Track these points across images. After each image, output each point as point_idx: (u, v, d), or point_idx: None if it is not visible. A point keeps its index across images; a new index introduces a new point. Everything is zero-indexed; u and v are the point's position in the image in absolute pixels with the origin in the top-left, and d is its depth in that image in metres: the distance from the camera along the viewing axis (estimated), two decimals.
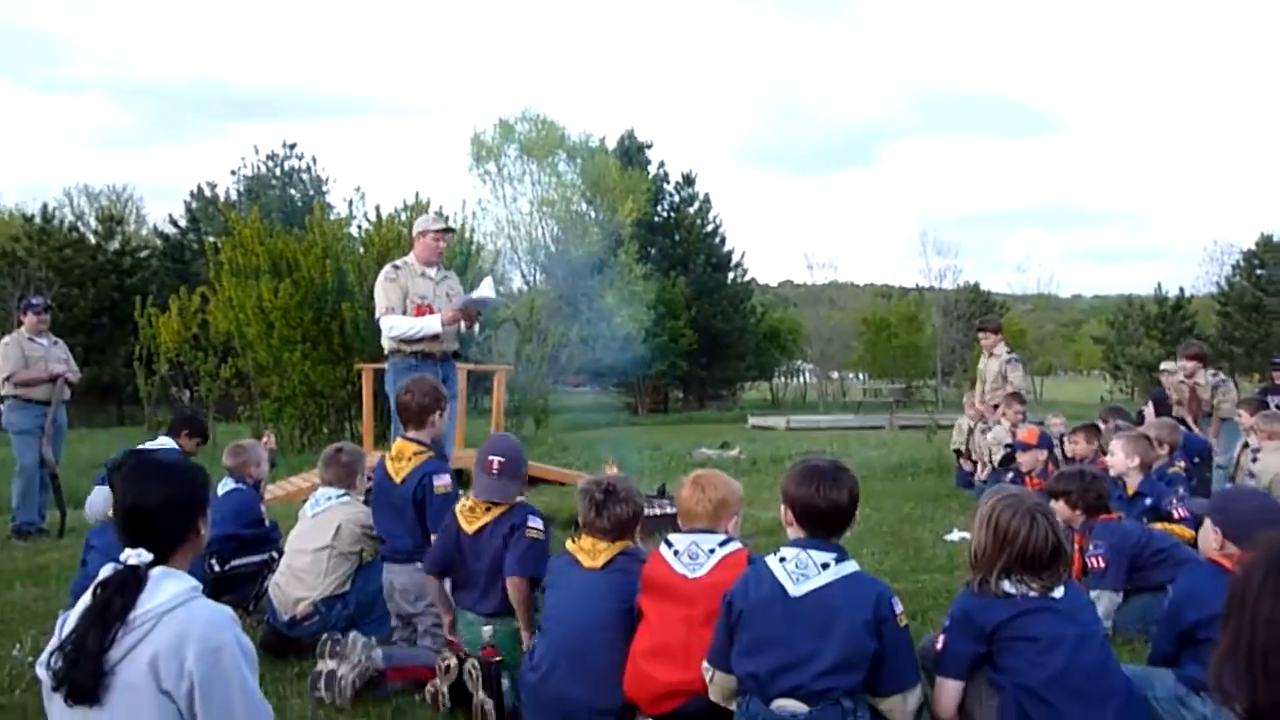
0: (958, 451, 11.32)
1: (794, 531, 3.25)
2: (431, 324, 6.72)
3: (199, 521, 2.40)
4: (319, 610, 4.76)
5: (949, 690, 3.17)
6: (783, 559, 3.16)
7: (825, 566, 3.11)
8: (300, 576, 4.82)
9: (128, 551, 2.29)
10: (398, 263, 7.01)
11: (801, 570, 3.12)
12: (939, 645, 3.23)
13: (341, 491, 5.04)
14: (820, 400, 44.50)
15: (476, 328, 7.26)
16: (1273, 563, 1.42)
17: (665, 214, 42.37)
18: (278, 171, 39.24)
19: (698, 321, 38.93)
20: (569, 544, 3.80)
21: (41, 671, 2.25)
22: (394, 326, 6.76)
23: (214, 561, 5.31)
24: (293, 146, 39.67)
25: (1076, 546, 5.26)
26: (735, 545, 3.57)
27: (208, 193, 38.59)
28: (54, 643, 2.25)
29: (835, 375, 50.15)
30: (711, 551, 3.51)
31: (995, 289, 53.50)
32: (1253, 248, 40.63)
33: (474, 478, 4.22)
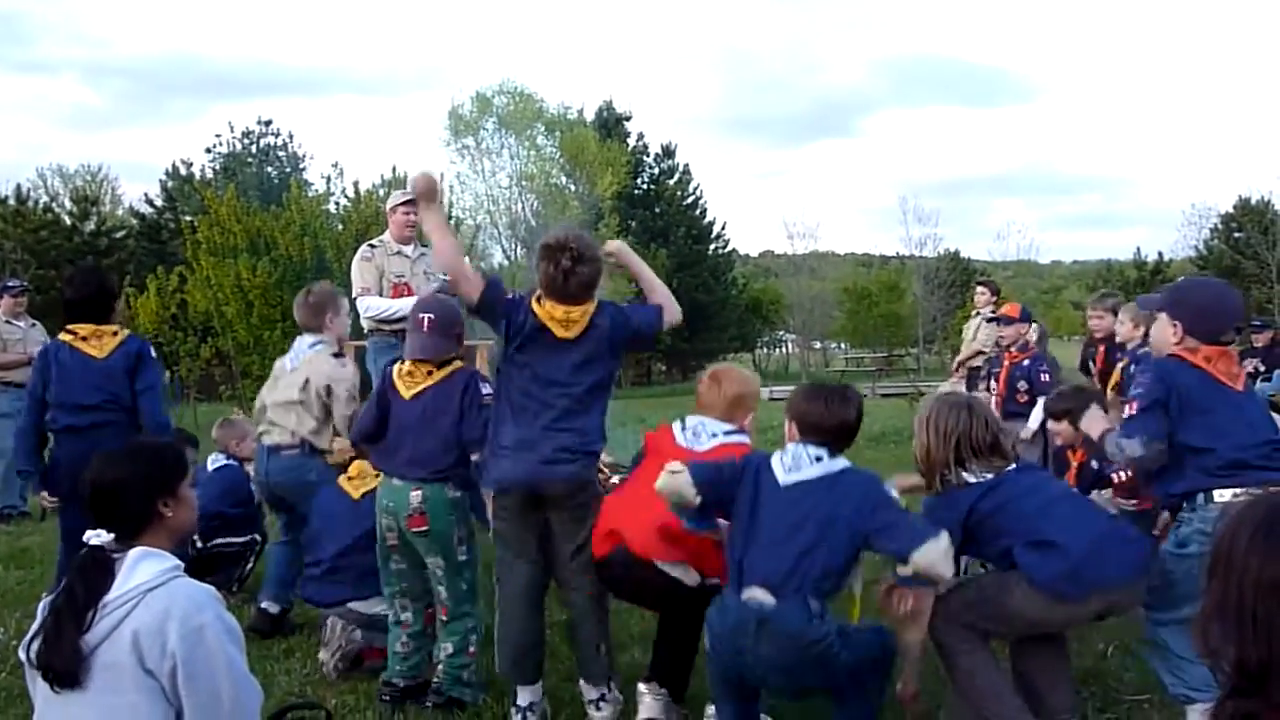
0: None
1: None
2: (407, 305, 6.64)
3: (161, 503, 2.37)
4: (304, 446, 4.78)
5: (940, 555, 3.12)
6: (782, 453, 3.28)
7: (818, 459, 3.21)
8: (282, 411, 4.84)
9: (89, 533, 2.29)
10: (374, 242, 6.94)
11: (795, 462, 3.22)
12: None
13: (315, 339, 4.98)
14: (803, 370, 44.60)
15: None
16: (1260, 522, 1.42)
17: (645, 186, 42.20)
18: (254, 149, 38.80)
19: (679, 293, 37.84)
20: (535, 305, 3.69)
21: (23, 655, 2.24)
22: (370, 307, 6.71)
23: (196, 539, 5.28)
24: (268, 123, 39.23)
25: (1075, 462, 5.26)
26: (743, 437, 3.66)
27: (183, 171, 38.16)
28: (34, 626, 2.24)
29: (817, 345, 50.23)
30: (714, 435, 3.62)
31: (976, 256, 53.59)
32: (1230, 210, 40.81)
33: (406, 339, 4.16)
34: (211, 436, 5.87)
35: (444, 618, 3.95)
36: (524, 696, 3.70)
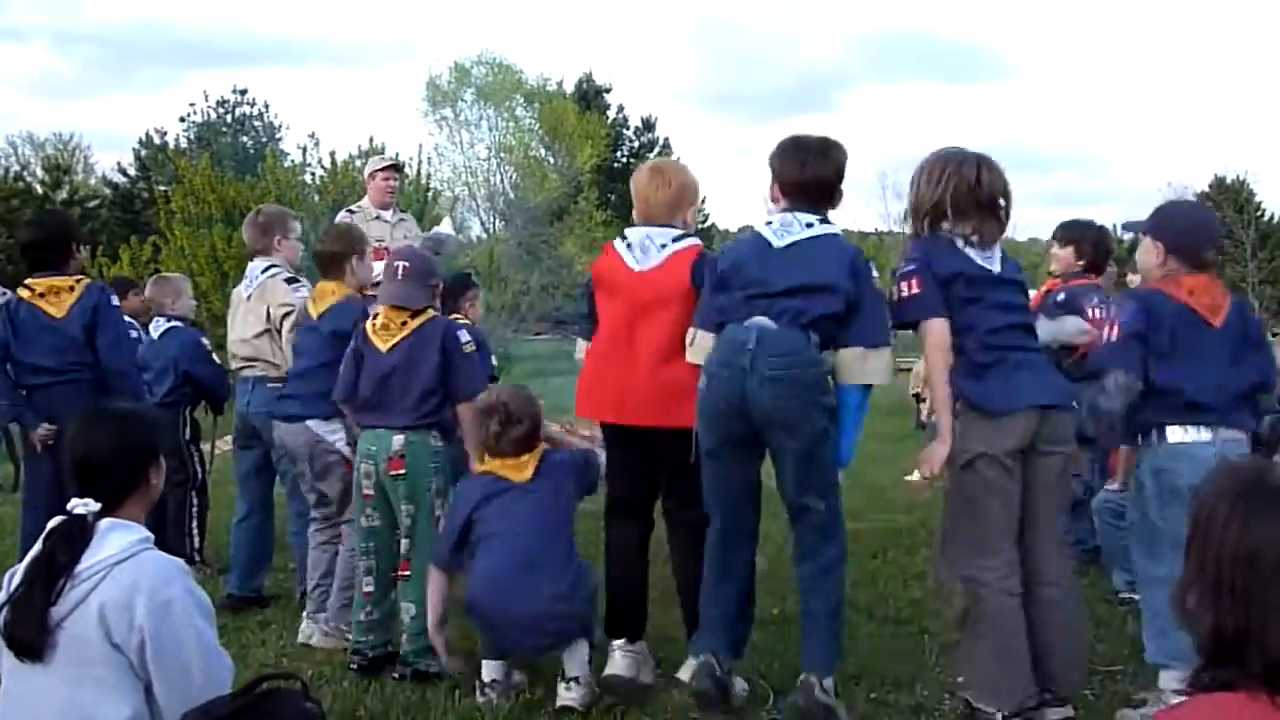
0: (917, 395, 11.41)
1: (780, 205, 3.35)
2: None
3: (150, 470, 2.35)
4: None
5: (937, 327, 3.16)
6: (769, 223, 3.29)
7: (809, 226, 3.24)
8: (262, 354, 4.79)
9: (74, 501, 2.24)
10: (353, 207, 6.94)
11: (785, 228, 3.24)
12: (907, 291, 3.20)
13: (266, 263, 4.89)
14: None
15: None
16: (1239, 493, 1.43)
17: (625, 159, 42.03)
18: (229, 118, 38.35)
19: None
20: (486, 462, 3.74)
21: None
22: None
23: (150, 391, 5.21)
24: (243, 92, 38.75)
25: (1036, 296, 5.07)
26: (690, 240, 3.64)
27: (157, 140, 37.71)
28: (3, 597, 2.21)
29: None
30: (663, 246, 3.59)
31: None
32: (1206, 189, 41.09)
33: (380, 288, 4.14)
34: (146, 294, 5.69)
35: (405, 574, 3.93)
36: (494, 671, 3.66)
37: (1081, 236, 5.00)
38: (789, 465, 3.24)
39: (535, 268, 31.74)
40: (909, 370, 12.93)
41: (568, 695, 3.52)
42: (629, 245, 3.63)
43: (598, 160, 36.64)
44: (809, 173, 3.28)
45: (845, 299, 3.15)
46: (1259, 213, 38.57)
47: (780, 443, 3.20)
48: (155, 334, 5.51)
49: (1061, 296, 4.80)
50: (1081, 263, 4.94)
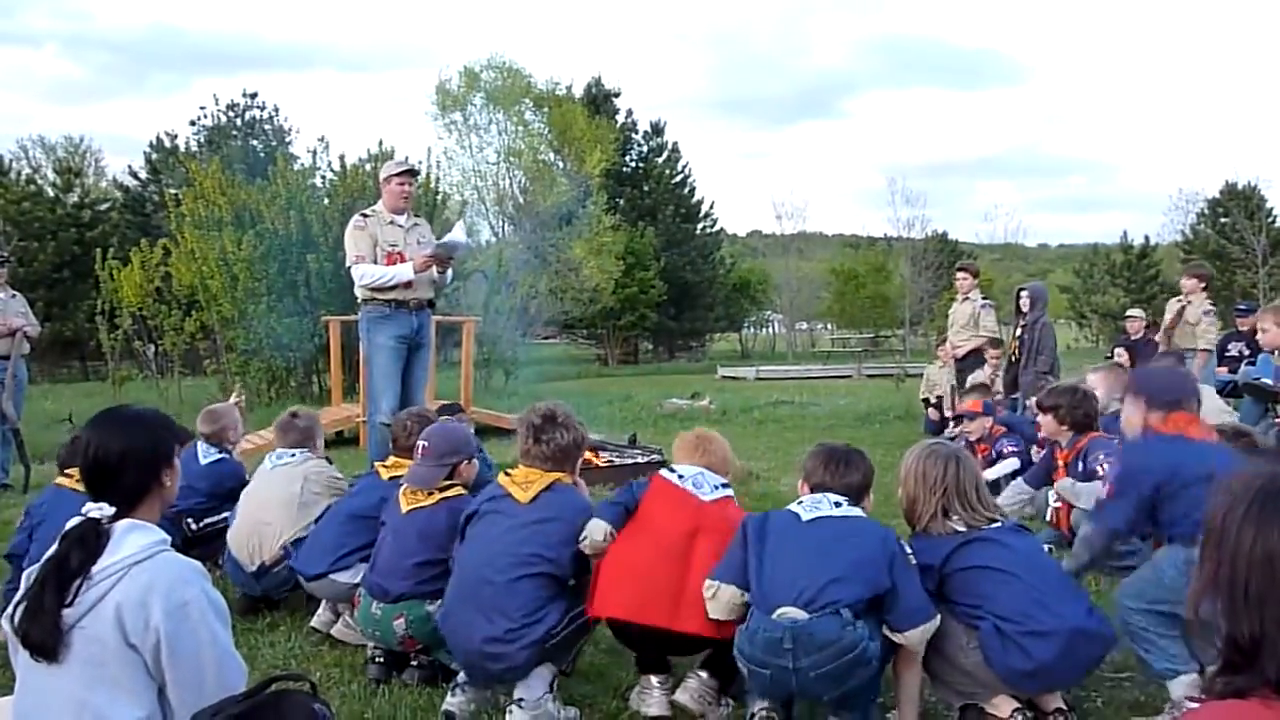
0: (926, 400, 11.38)
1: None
2: (403, 271, 6.65)
3: (163, 472, 2.36)
4: (287, 551, 4.65)
5: (918, 634, 3.26)
6: (800, 501, 3.40)
7: (837, 505, 3.34)
8: (267, 524, 4.70)
9: (89, 505, 2.25)
10: (366, 211, 6.94)
11: (814, 505, 3.35)
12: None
13: (303, 451, 4.97)
14: (789, 350, 44.69)
15: (449, 274, 7.20)
16: (1254, 497, 1.42)
17: (634, 164, 42.08)
18: (239, 122, 38.47)
19: (667, 272, 38.83)
20: (502, 476, 3.75)
21: (5, 625, 2.22)
22: (365, 274, 6.69)
23: (190, 520, 5.26)
24: (254, 96, 38.88)
25: (1061, 462, 5.35)
26: (731, 491, 3.74)
27: (167, 144, 37.82)
28: (18, 595, 2.22)
29: (804, 325, 50.31)
30: (716, 487, 3.66)
31: (963, 238, 53.69)
32: (1217, 196, 40.94)
33: (412, 463, 4.15)
34: (197, 426, 5.72)
35: None
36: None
37: (1055, 405, 5.35)
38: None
39: (544, 271, 31.76)
40: (919, 376, 12.90)
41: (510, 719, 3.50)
42: (681, 477, 3.66)
43: (606, 165, 36.67)
44: (840, 481, 3.43)
45: (876, 582, 3.15)
46: (1270, 219, 38.41)
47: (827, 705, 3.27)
48: (204, 460, 5.46)
49: (1080, 467, 5.23)
50: (1065, 427, 5.31)
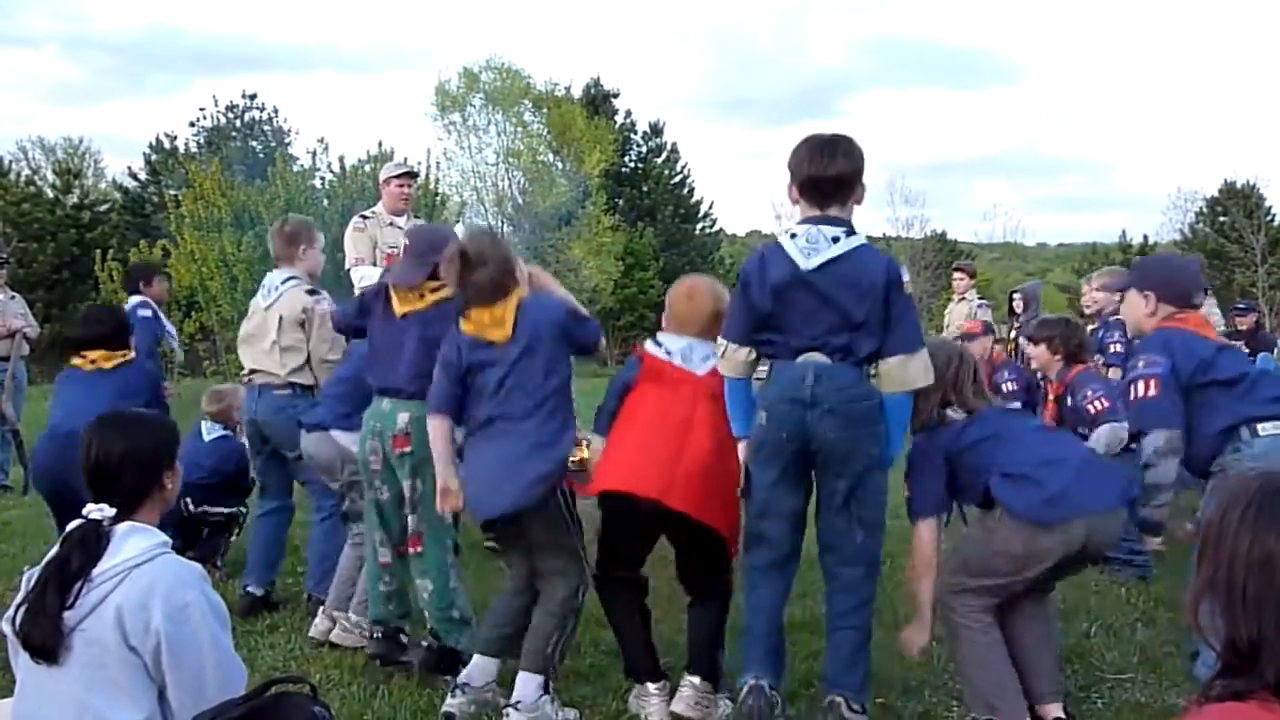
0: None
1: (802, 209, 3.32)
2: None
3: (165, 474, 2.36)
4: (294, 390, 4.75)
5: (928, 529, 3.35)
6: (793, 235, 3.25)
7: (835, 240, 3.19)
8: (264, 355, 4.81)
9: (90, 506, 2.25)
10: (366, 213, 6.93)
11: (812, 245, 3.19)
12: (906, 494, 3.43)
13: (286, 274, 4.91)
14: None
15: None
16: (1254, 498, 1.42)
17: (633, 164, 42.05)
18: (238, 123, 38.45)
19: (667, 273, 38.77)
20: (464, 323, 3.64)
21: (6, 627, 2.22)
22: (365, 277, 6.67)
23: (188, 500, 5.28)
24: (253, 97, 38.84)
25: (1051, 395, 5.37)
26: None
27: (167, 145, 37.81)
28: (19, 597, 2.22)
29: None
30: (707, 358, 3.59)
31: (962, 238, 53.61)
32: (1215, 194, 40.94)
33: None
34: (202, 405, 5.78)
35: (417, 550, 3.89)
36: (472, 674, 3.64)
37: (1048, 336, 5.33)
38: (839, 496, 3.24)
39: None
40: None
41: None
42: (669, 352, 3.63)
43: (606, 165, 36.63)
44: (830, 170, 3.22)
45: (884, 320, 3.17)
46: (1269, 217, 38.41)
47: (835, 472, 3.22)
48: (208, 436, 5.56)
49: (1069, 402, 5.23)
50: (1059, 357, 5.30)
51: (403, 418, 3.83)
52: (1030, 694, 3.32)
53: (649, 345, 3.72)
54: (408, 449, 3.83)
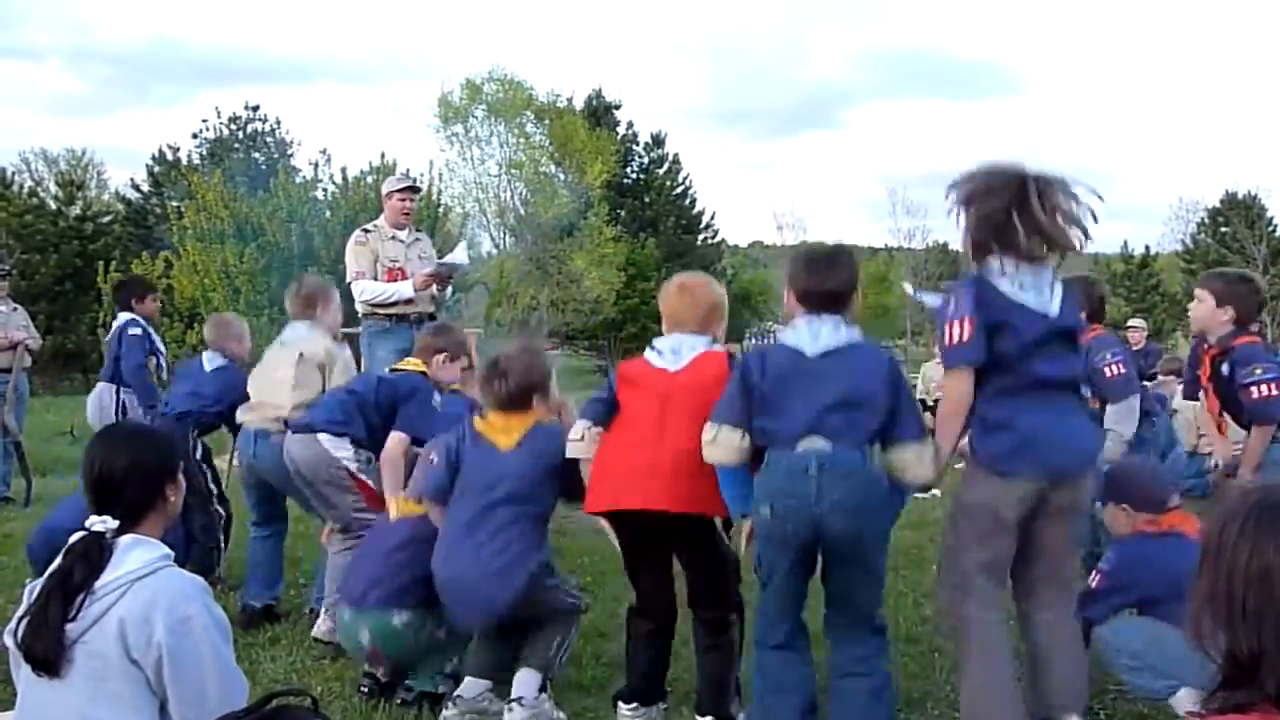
0: (923, 402, 11.30)
1: (800, 314, 3.35)
2: (404, 289, 6.68)
3: (168, 488, 2.36)
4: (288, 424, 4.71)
5: (959, 379, 3.15)
6: (795, 329, 3.29)
7: (836, 330, 3.24)
8: (268, 392, 4.84)
9: (93, 519, 2.25)
10: (368, 226, 6.96)
11: (814, 334, 3.23)
12: (945, 337, 3.18)
13: (308, 324, 4.98)
14: None
15: (448, 291, 7.22)
16: (1252, 511, 1.42)
17: (634, 175, 42.18)
18: (241, 135, 38.58)
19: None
20: (479, 421, 3.76)
21: (8, 639, 2.22)
22: (365, 291, 6.71)
23: (196, 431, 5.30)
24: (255, 109, 39.02)
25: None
26: (719, 346, 3.64)
27: (170, 156, 37.92)
28: (21, 609, 2.22)
29: None
30: (694, 348, 3.56)
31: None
32: (1217, 205, 40.98)
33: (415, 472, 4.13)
34: (205, 334, 5.74)
35: None
36: (468, 688, 3.66)
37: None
38: (847, 575, 3.23)
39: (545, 283, 31.84)
40: (914, 384, 12.87)
41: (510, 717, 3.52)
42: (659, 353, 3.59)
43: (607, 176, 36.73)
44: (827, 284, 3.30)
45: (889, 410, 3.16)
46: (1270, 228, 38.45)
47: (846, 554, 3.19)
48: (209, 366, 5.48)
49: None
50: (1082, 314, 5.00)
51: (363, 636, 3.77)
52: (1045, 704, 3.24)
53: (646, 351, 3.69)
54: (387, 662, 3.81)
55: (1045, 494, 3.14)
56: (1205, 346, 4.52)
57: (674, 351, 3.54)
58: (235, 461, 5.15)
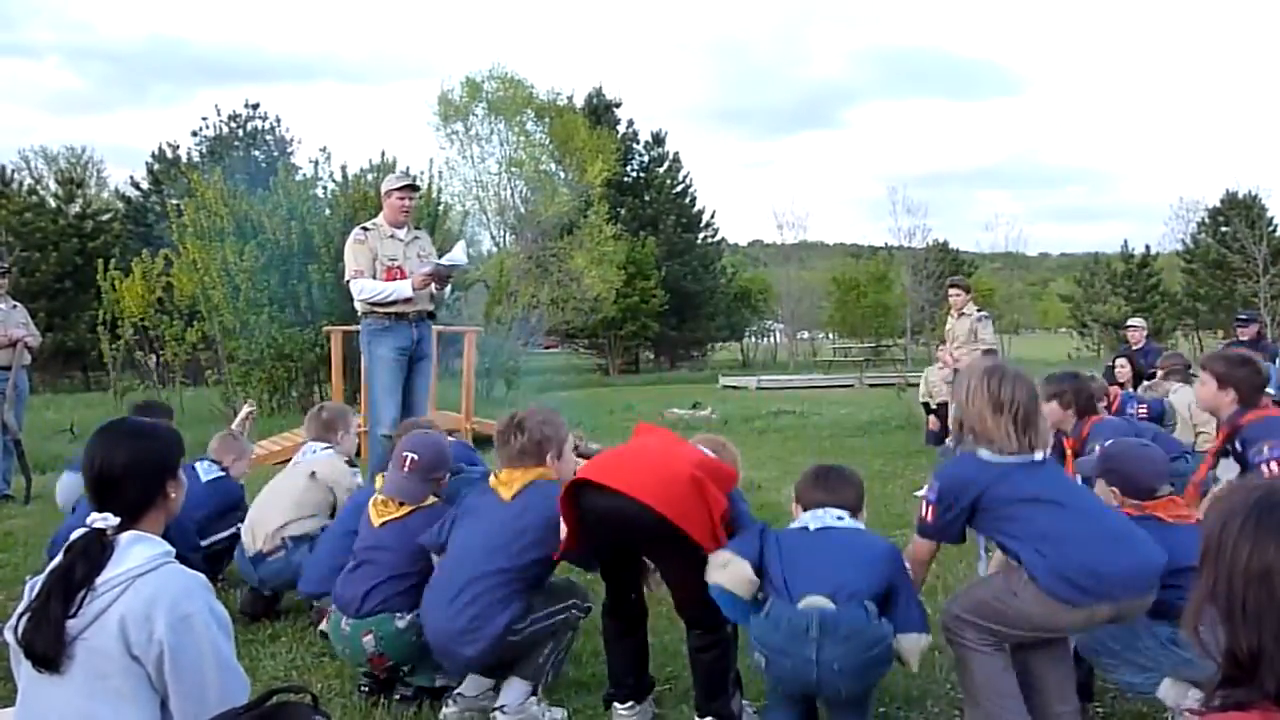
0: (926, 405, 11.32)
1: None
2: (402, 288, 6.68)
3: (168, 485, 2.36)
4: (286, 545, 4.74)
5: (927, 549, 3.32)
6: (800, 520, 3.41)
7: (840, 519, 3.34)
8: (270, 510, 4.86)
9: (94, 515, 2.25)
10: (367, 225, 6.96)
11: (819, 519, 3.34)
12: (924, 512, 3.31)
13: (326, 445, 5.12)
14: (790, 360, 44.67)
15: (447, 290, 7.22)
16: (1251, 510, 1.42)
17: (635, 174, 42.15)
18: (240, 133, 38.56)
19: (668, 282, 38.86)
20: (492, 479, 3.81)
21: (9, 635, 2.22)
22: (364, 289, 6.71)
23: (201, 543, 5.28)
24: (255, 107, 38.99)
25: (1068, 450, 5.32)
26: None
27: (169, 154, 37.91)
28: (22, 605, 2.22)
29: (805, 335, 50.32)
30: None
31: (963, 248, 53.65)
32: (1217, 204, 40.96)
33: (388, 472, 4.10)
34: (209, 449, 5.69)
35: None
36: (469, 686, 3.68)
37: (1058, 392, 5.19)
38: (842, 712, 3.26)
39: (545, 281, 31.80)
40: (917, 384, 12.90)
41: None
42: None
43: (608, 175, 36.70)
44: (833, 497, 3.42)
45: (888, 582, 3.17)
46: (1271, 228, 38.42)
47: (847, 703, 3.20)
48: (205, 477, 5.37)
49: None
50: (1070, 412, 5.17)
51: (368, 641, 3.76)
52: (1041, 713, 3.26)
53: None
54: (389, 664, 3.81)
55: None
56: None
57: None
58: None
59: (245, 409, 7.24)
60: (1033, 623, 3.15)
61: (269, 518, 4.83)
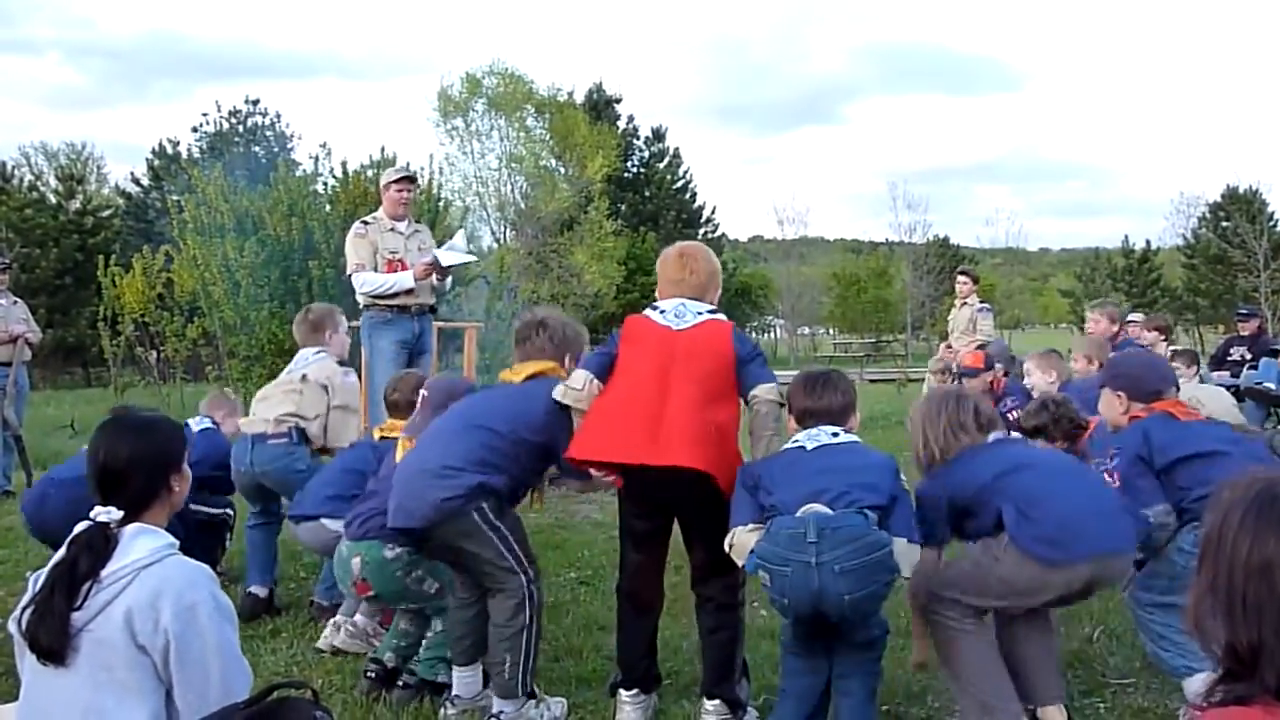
0: None
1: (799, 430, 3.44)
2: (404, 279, 6.68)
3: (172, 478, 2.37)
4: (290, 435, 4.77)
5: (928, 557, 3.32)
6: (795, 439, 3.37)
7: (835, 435, 3.34)
8: (271, 404, 4.90)
9: (97, 509, 2.26)
10: (367, 218, 6.97)
11: (813, 437, 3.33)
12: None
13: (317, 350, 5.04)
14: (791, 355, 44.68)
15: (448, 281, 7.21)
16: (1252, 502, 1.42)
17: (635, 170, 42.16)
18: (241, 129, 38.55)
19: None
20: (503, 372, 3.85)
21: (13, 628, 2.23)
22: (365, 283, 6.72)
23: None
24: (256, 103, 39.00)
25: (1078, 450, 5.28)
26: (722, 316, 3.64)
27: (170, 150, 37.90)
28: (26, 598, 2.23)
29: (806, 330, 50.33)
30: (699, 314, 3.56)
31: (964, 243, 53.66)
32: (1218, 199, 40.95)
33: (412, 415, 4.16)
34: (200, 406, 5.75)
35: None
36: (461, 686, 3.68)
37: (1039, 426, 4.96)
38: (844, 629, 3.23)
39: (545, 277, 31.80)
40: (920, 380, 12.90)
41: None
42: (662, 312, 3.56)
43: (608, 170, 36.69)
44: (822, 403, 3.42)
45: (889, 494, 3.17)
46: (1271, 223, 38.43)
47: (854, 622, 3.17)
48: (196, 428, 5.40)
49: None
50: (1057, 443, 4.98)
51: (355, 564, 3.79)
52: (1029, 696, 3.31)
53: (647, 310, 3.65)
54: (370, 593, 3.86)
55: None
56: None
57: (677, 314, 3.53)
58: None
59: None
60: (1014, 588, 3.18)
61: (271, 409, 4.85)
